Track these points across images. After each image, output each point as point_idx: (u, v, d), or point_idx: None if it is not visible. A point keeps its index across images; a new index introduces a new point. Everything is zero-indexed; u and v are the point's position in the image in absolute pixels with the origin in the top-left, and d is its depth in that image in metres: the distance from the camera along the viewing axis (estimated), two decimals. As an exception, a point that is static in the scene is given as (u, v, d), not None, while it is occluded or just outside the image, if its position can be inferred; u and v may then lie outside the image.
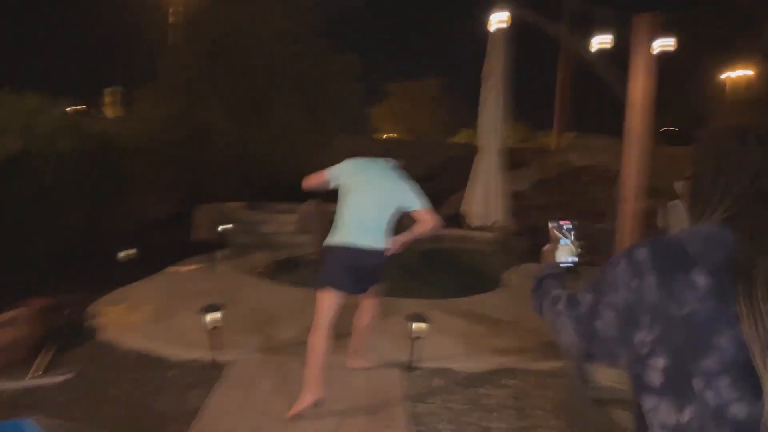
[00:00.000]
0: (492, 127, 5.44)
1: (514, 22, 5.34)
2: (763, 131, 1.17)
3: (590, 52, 5.01)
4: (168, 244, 9.87)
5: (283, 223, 10.74)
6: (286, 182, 13.40)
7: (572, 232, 1.71)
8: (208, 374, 4.36)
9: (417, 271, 9.47)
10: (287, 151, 12.79)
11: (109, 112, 19.54)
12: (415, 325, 4.34)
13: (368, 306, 4.26)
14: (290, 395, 3.98)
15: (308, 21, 13.12)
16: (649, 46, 3.99)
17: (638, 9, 3.97)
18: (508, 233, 9.39)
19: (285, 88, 12.75)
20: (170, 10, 14.11)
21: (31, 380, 4.21)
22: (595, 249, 6.84)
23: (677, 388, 1.08)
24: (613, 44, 5.40)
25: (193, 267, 8.05)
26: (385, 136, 29.72)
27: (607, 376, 3.25)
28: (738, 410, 1.01)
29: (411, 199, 3.96)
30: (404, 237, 4.03)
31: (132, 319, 5.60)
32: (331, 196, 12.89)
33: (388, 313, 5.88)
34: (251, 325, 5.42)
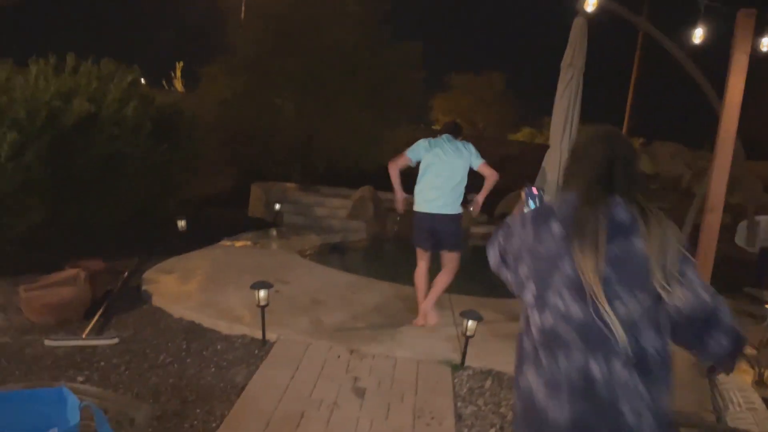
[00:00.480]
0: (566, 123, 5.15)
1: (598, 12, 5.02)
2: (604, 134, 1.73)
3: (679, 49, 4.65)
4: (225, 218, 10.01)
5: (336, 207, 10.70)
6: (344, 169, 13.38)
7: (537, 199, 2.11)
8: (255, 351, 4.32)
9: (469, 267, 9.24)
10: (348, 139, 12.72)
11: (179, 85, 19.95)
12: (469, 323, 4.17)
13: (445, 263, 4.99)
14: (334, 379, 3.89)
15: (376, 6, 12.93)
16: (750, 45, 3.65)
17: (744, 4, 3.62)
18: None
19: (351, 74, 12.64)
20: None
21: (84, 340, 4.27)
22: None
23: (540, 300, 1.64)
24: (703, 40, 5.00)
25: (246, 242, 8.09)
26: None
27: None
28: (576, 311, 1.56)
29: (474, 158, 4.85)
30: (480, 195, 4.90)
31: (185, 289, 5.64)
32: (378, 184, 12.72)
33: (440, 307, 5.72)
34: (300, 306, 5.37)
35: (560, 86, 5.18)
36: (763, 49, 4.19)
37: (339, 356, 4.31)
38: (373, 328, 4.95)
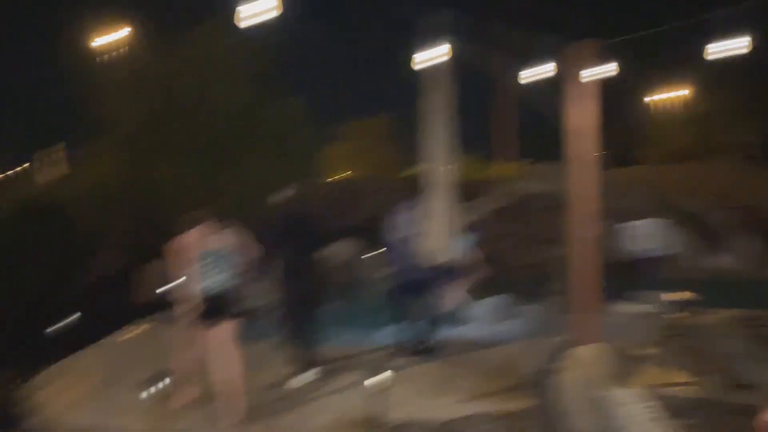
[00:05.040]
0: (440, 163, 5.33)
1: (453, 55, 5.29)
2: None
3: (520, 83, 5.05)
4: (114, 307, 9.33)
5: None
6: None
7: None
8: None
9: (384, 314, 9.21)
10: (256, 199, 12.47)
11: (49, 172, 18.60)
12: (377, 378, 4.10)
13: None
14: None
15: (263, 65, 12.95)
16: (579, 74, 3.97)
17: (576, 37, 3.96)
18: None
19: (247, 136, 12.48)
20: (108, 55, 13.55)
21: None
22: (551, 275, 6.77)
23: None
24: (543, 73, 5.40)
25: (136, 332, 7.55)
26: (337, 176, 29.71)
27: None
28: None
29: None
30: None
31: (72, 395, 5.17)
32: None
33: (352, 364, 5.62)
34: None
35: (429, 130, 5.37)
36: (582, 80, 4.54)
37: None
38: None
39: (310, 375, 5.27)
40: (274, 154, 12.54)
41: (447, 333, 6.40)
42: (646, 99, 27.86)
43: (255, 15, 3.96)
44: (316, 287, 5.73)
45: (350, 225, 19.41)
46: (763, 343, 5.36)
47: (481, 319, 7.55)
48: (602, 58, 4.21)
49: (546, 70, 4.99)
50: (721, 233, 12.95)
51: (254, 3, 3.94)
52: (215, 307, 4.35)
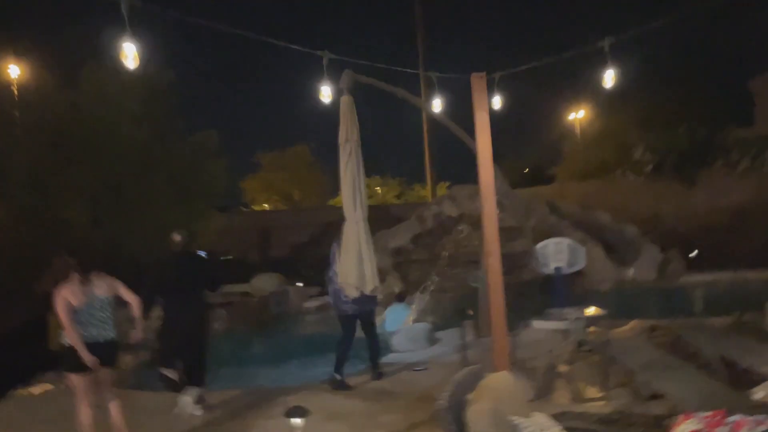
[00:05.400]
0: (355, 193, 5.32)
1: (360, 85, 5.34)
2: None
3: (434, 111, 5.17)
4: (19, 359, 8.64)
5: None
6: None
7: None
8: None
9: (307, 349, 9.06)
10: (159, 238, 11.97)
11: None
12: (292, 422, 3.96)
13: None
14: None
15: (163, 101, 12.62)
16: (486, 103, 4.11)
17: (474, 70, 4.10)
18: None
19: (149, 174, 12.04)
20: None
21: None
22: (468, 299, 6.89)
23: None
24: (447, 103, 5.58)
25: (45, 387, 6.98)
26: (259, 208, 29.17)
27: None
28: None
29: None
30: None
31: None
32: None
33: (271, 406, 5.45)
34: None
35: (342, 161, 5.35)
36: (495, 106, 4.76)
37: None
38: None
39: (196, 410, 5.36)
40: (180, 191, 12.16)
41: (371, 362, 6.38)
42: (558, 121, 29.47)
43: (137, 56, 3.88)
44: (200, 329, 5.79)
45: (273, 258, 19.11)
46: (668, 351, 5.65)
47: (404, 347, 7.54)
48: (499, 89, 4.38)
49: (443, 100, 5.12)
50: (627, 245, 13.68)
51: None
52: (96, 356, 4.30)
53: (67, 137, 11.31)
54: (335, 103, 5.39)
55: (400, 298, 9.64)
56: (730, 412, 2.90)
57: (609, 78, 4.70)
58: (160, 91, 12.38)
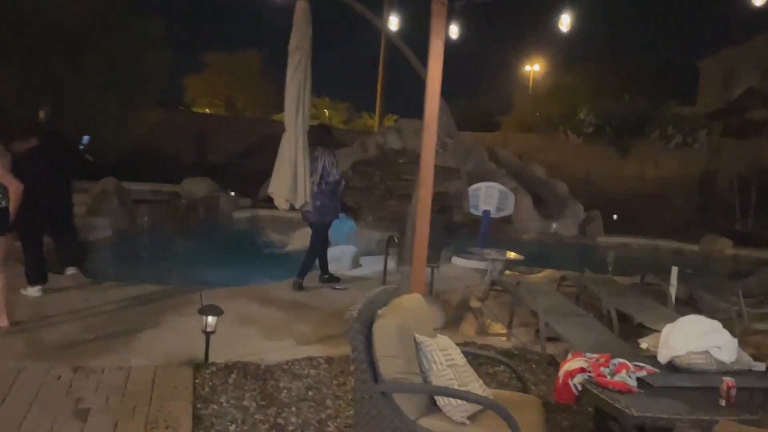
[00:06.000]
0: (298, 105, 5.19)
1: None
2: None
3: (392, 31, 5.01)
4: None
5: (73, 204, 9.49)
6: (88, 160, 11.90)
7: None
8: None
9: (231, 256, 9.03)
10: (89, 124, 11.34)
11: None
12: (209, 319, 3.99)
13: None
14: (51, 405, 3.40)
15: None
16: (445, 34, 4.03)
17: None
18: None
19: (83, 55, 11.24)
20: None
21: None
22: (399, 229, 7.05)
23: None
24: (403, 25, 5.43)
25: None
26: (200, 110, 27.96)
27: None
28: None
29: None
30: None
31: None
32: (128, 175, 11.92)
33: (184, 304, 5.47)
34: (16, 326, 4.63)
35: (289, 70, 5.17)
36: (453, 36, 4.68)
37: (60, 377, 3.80)
38: (104, 339, 4.49)
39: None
40: (116, 77, 11.47)
41: (298, 273, 6.54)
42: (514, 71, 29.51)
43: None
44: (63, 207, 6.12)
45: (208, 163, 18.57)
46: (572, 300, 6.02)
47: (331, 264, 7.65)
48: (459, 22, 4.28)
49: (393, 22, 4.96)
50: (555, 201, 14.19)
51: None
52: None
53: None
54: (292, 9, 5.15)
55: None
56: (615, 357, 3.14)
57: (566, 22, 4.69)
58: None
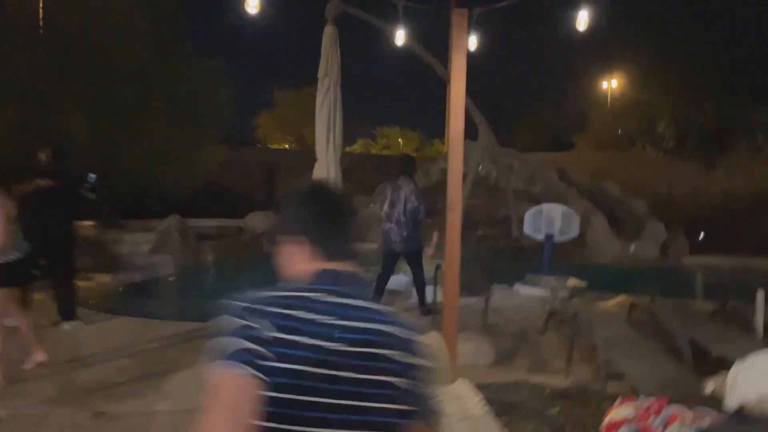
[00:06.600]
0: (329, 133, 5.02)
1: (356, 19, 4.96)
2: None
3: (426, 51, 4.77)
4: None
5: (139, 242, 9.82)
6: (157, 199, 12.37)
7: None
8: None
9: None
10: (157, 162, 11.81)
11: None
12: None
13: None
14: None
15: (169, 21, 12.21)
16: (466, 44, 3.71)
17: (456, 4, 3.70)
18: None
19: (151, 95, 11.77)
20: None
21: None
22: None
23: None
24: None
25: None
26: (273, 146, 28.80)
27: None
28: None
29: None
30: None
31: None
32: (197, 212, 12.07)
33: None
34: (51, 368, 4.65)
35: (319, 97, 5.04)
36: (471, 48, 4.36)
37: (81, 424, 3.72)
38: (135, 381, 4.40)
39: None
40: (181, 116, 11.86)
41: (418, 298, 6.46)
42: (590, 89, 28.41)
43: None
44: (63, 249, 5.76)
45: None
46: (640, 330, 5.40)
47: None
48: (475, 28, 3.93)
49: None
50: (633, 221, 13.27)
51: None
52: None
53: (69, 49, 11.00)
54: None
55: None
56: (675, 401, 2.66)
57: (582, 20, 4.28)
58: (168, 12, 11.97)
